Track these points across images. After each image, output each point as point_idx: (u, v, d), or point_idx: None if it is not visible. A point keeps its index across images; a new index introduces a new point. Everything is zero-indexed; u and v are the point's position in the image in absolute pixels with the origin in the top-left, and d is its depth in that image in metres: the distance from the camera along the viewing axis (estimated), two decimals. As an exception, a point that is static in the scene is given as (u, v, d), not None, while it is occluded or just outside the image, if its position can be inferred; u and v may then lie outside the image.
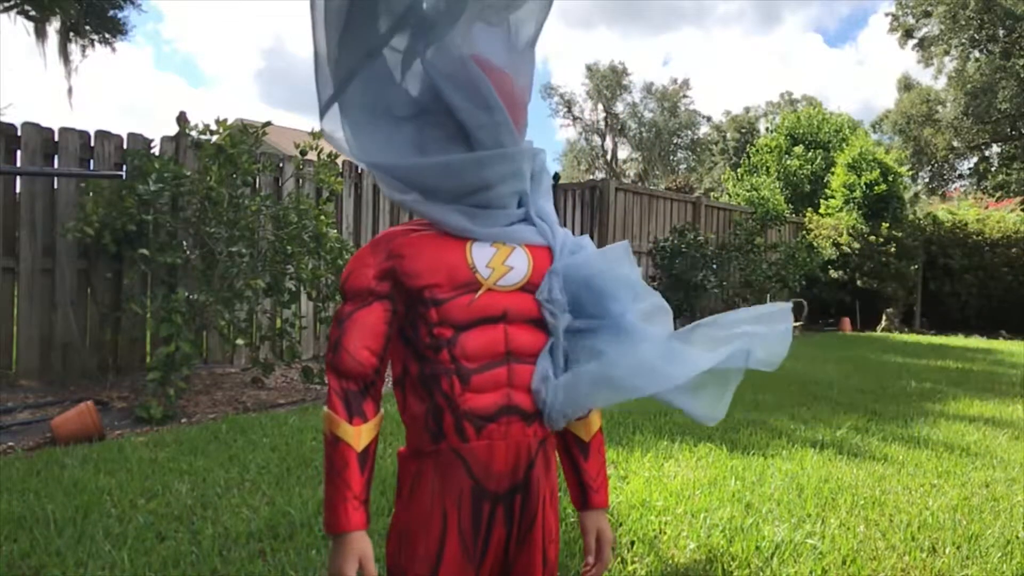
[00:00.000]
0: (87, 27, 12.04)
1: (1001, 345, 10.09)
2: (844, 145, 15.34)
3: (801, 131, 17.01)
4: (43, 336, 4.78)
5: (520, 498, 1.11)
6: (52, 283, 4.79)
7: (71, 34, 11.97)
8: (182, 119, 4.96)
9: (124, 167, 5.00)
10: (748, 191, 13.76)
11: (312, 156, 5.31)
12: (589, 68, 41.09)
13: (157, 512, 2.53)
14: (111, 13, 12.25)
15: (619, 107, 41.44)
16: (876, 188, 12.60)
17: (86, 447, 3.37)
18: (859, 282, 12.16)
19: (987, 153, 24.68)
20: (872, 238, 12.17)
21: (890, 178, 12.78)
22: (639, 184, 30.61)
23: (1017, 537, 2.60)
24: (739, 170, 17.32)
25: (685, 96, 41.04)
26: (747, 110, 41.68)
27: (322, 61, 1.07)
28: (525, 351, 1.09)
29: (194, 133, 4.71)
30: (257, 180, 5.63)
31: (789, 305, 1.16)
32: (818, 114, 17.75)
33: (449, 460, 1.08)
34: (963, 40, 22.18)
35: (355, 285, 1.09)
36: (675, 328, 1.17)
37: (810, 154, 16.34)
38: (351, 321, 1.08)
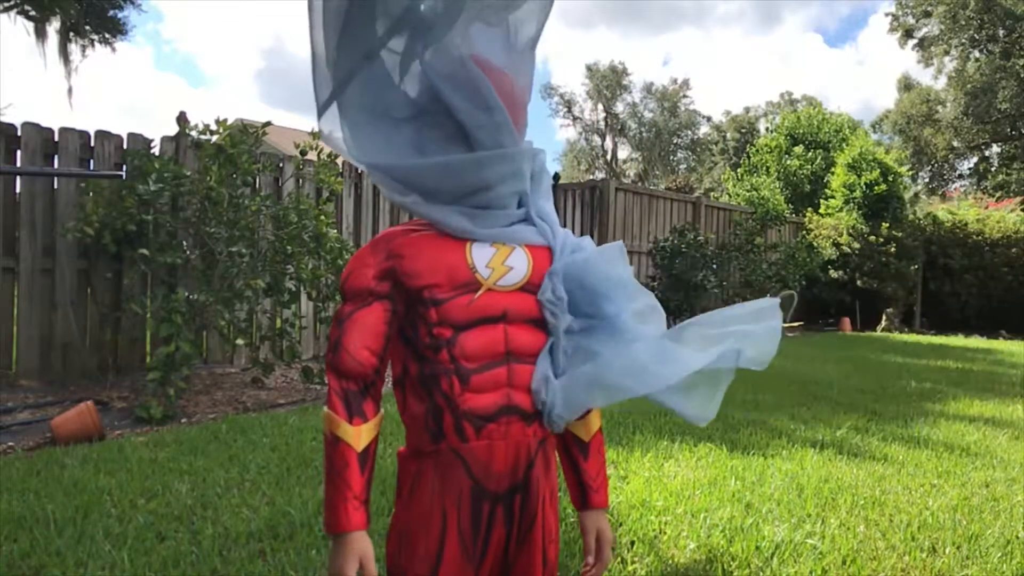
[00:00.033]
0: (87, 27, 12.05)
1: (1001, 345, 10.09)
2: (844, 145, 15.34)
3: (801, 131, 17.02)
4: (43, 336, 4.78)
5: (520, 498, 1.11)
6: (52, 283, 4.79)
7: (71, 34, 11.98)
8: (182, 119, 4.96)
9: (124, 167, 5.00)
10: (748, 191, 13.76)
11: (312, 156, 5.31)
12: (589, 68, 41.13)
13: (157, 512, 2.52)
14: (111, 13, 12.26)
15: (619, 107, 41.47)
16: (876, 188, 12.61)
17: (86, 447, 3.37)
18: (859, 282, 12.16)
19: (987, 153, 24.69)
20: (872, 238, 12.17)
21: (890, 178, 12.78)
22: (639, 184, 30.61)
23: (1017, 537, 2.60)
24: (739, 170, 17.32)
25: (685, 96, 41.07)
26: (747, 110, 41.71)
27: (320, 62, 1.07)
28: (525, 351, 1.09)
29: (194, 133, 4.71)
30: (257, 180, 5.63)
31: (777, 301, 1.16)
32: (818, 114, 17.76)
33: (449, 460, 1.08)
34: (963, 40, 22.19)
35: (355, 285, 1.09)
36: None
37: (810, 154, 16.34)
38: (351, 321, 1.08)
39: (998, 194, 22.89)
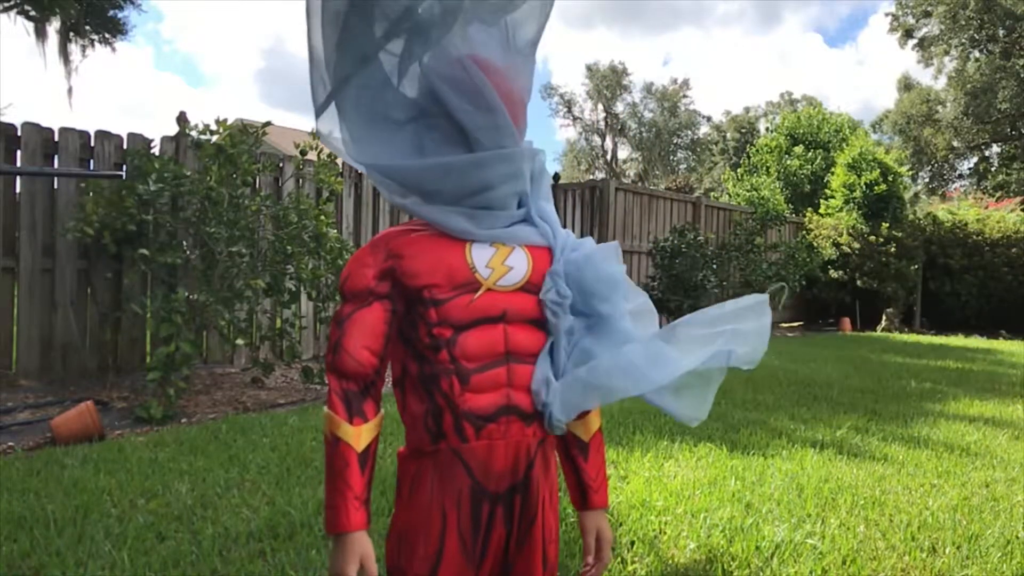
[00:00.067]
0: (87, 27, 12.06)
1: (1001, 345, 10.09)
2: (844, 145, 15.34)
3: (801, 131, 17.02)
4: (43, 336, 4.78)
5: (519, 498, 1.11)
6: (52, 283, 4.79)
7: (71, 34, 11.98)
8: (182, 119, 4.96)
9: (124, 167, 5.00)
10: (748, 191, 13.76)
11: (312, 156, 5.32)
12: (589, 68, 41.15)
13: (157, 512, 2.53)
14: (111, 13, 12.27)
15: (619, 107, 41.49)
16: (876, 188, 12.61)
17: (86, 447, 3.37)
18: (859, 282, 12.16)
19: (987, 153, 24.70)
20: (872, 238, 12.17)
21: (890, 178, 12.78)
22: (639, 184, 30.60)
23: (1017, 537, 2.60)
24: (739, 170, 17.32)
25: (685, 96, 41.08)
26: (747, 110, 41.75)
27: (318, 63, 1.07)
28: (524, 351, 1.09)
29: (194, 133, 4.71)
30: (257, 180, 5.63)
31: (765, 298, 1.16)
32: (818, 114, 17.75)
33: (448, 460, 1.08)
34: (963, 40, 22.20)
35: (355, 285, 1.09)
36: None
37: (810, 154, 16.34)
38: (351, 322, 1.08)
39: (998, 194, 22.89)
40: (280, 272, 4.90)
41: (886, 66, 72.96)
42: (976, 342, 10.45)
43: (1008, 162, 23.61)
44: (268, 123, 4.99)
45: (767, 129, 28.22)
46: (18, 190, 4.75)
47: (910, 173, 20.14)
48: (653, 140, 40.31)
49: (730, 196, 15.80)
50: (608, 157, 41.51)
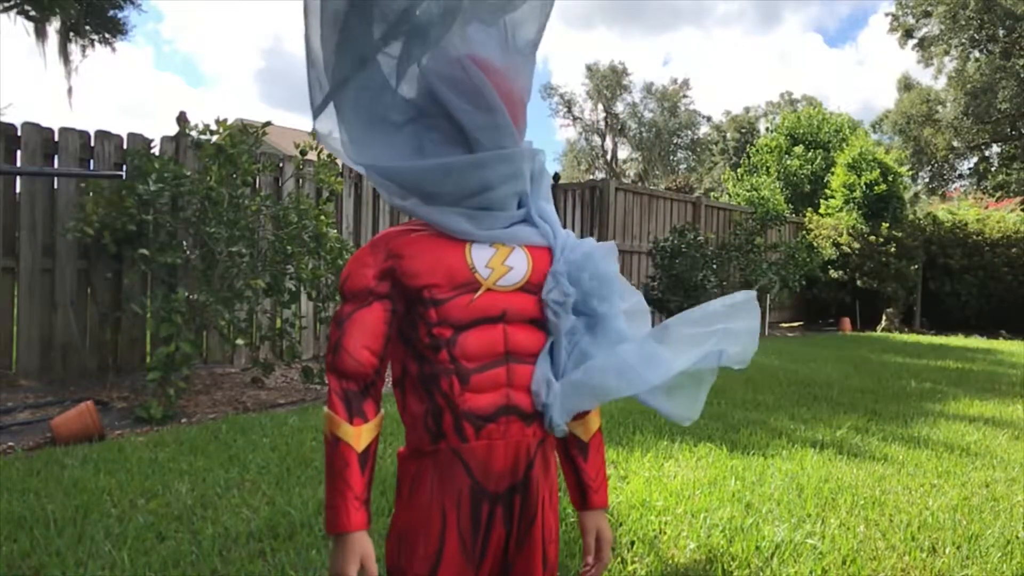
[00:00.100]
0: (87, 27, 12.06)
1: (1001, 345, 10.09)
2: (844, 145, 15.35)
3: (801, 131, 17.02)
4: (43, 336, 4.78)
5: (519, 498, 1.11)
6: (52, 283, 4.79)
7: (71, 34, 11.98)
8: (182, 119, 4.96)
9: (124, 167, 5.00)
10: (748, 191, 13.75)
11: (312, 156, 5.32)
12: (589, 68, 41.15)
13: (157, 512, 2.53)
14: (111, 13, 12.27)
15: (619, 107, 41.49)
16: (876, 188, 12.61)
17: (86, 447, 3.37)
18: (859, 282, 12.16)
19: (987, 153, 24.70)
20: (872, 238, 12.17)
21: (890, 178, 12.78)
22: (639, 184, 30.61)
23: (1017, 537, 2.60)
24: (739, 170, 17.32)
25: (685, 96, 41.08)
26: (747, 110, 41.74)
27: (316, 65, 1.06)
28: (524, 351, 1.09)
29: (194, 133, 4.71)
30: (257, 180, 5.63)
31: (754, 294, 1.16)
32: (818, 114, 17.76)
33: (448, 460, 1.08)
34: (963, 40, 22.20)
35: (354, 286, 1.09)
36: None
37: (810, 154, 16.35)
38: (351, 322, 1.08)
39: (998, 194, 22.90)
40: (280, 272, 4.90)
41: (886, 66, 73.05)
42: (976, 342, 10.45)
43: (1008, 162, 23.61)
44: (268, 123, 4.99)
45: (767, 129, 28.23)
46: (18, 190, 4.75)
47: (910, 173, 20.14)
48: (653, 140, 40.31)
49: (730, 196, 15.79)
50: (608, 157, 41.52)
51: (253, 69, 79.59)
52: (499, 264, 1.09)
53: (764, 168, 16.76)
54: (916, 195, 24.93)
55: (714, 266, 9.77)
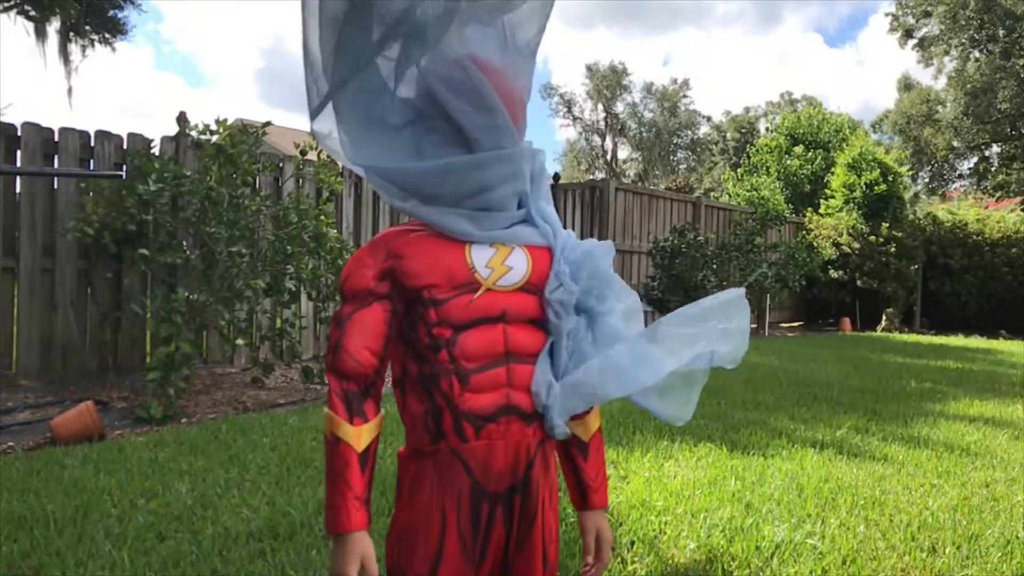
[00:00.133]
0: (87, 27, 12.06)
1: (1001, 345, 10.09)
2: (844, 145, 15.36)
3: (801, 131, 17.03)
4: (43, 336, 4.78)
5: (519, 498, 1.11)
6: (52, 283, 4.79)
7: (71, 34, 11.99)
8: (182, 119, 4.96)
9: (124, 167, 5.00)
10: (748, 191, 13.76)
11: (312, 156, 5.31)
12: (589, 68, 41.15)
13: (157, 512, 2.53)
14: (111, 13, 12.27)
15: (619, 107, 41.49)
16: (876, 188, 12.61)
17: (86, 447, 3.37)
18: (859, 282, 12.16)
19: (987, 153, 24.70)
20: (872, 238, 12.17)
21: (890, 178, 12.79)
22: (639, 184, 30.61)
23: (1017, 537, 2.60)
24: (739, 170, 17.33)
25: (685, 96, 41.08)
26: (747, 110, 41.75)
27: (313, 65, 1.06)
28: (524, 351, 1.09)
29: (194, 133, 4.71)
30: (257, 180, 5.63)
31: (743, 292, 1.16)
32: (818, 114, 17.76)
33: (448, 460, 1.08)
34: (963, 40, 22.20)
35: (354, 286, 1.09)
36: None
37: (810, 154, 16.35)
38: (351, 322, 1.08)
39: (998, 194, 22.90)
40: (280, 272, 4.90)
41: (886, 66, 73.07)
42: (976, 342, 10.45)
43: (1008, 162, 23.61)
44: (268, 123, 4.99)
45: (767, 129, 28.23)
46: (18, 190, 4.75)
47: (910, 173, 20.15)
48: (653, 140, 40.32)
49: (730, 196, 15.79)
50: (608, 157, 41.52)
51: (253, 69, 79.69)
52: (499, 264, 1.09)
53: (764, 168, 16.77)
54: (916, 195, 24.94)
55: (714, 266, 9.77)
